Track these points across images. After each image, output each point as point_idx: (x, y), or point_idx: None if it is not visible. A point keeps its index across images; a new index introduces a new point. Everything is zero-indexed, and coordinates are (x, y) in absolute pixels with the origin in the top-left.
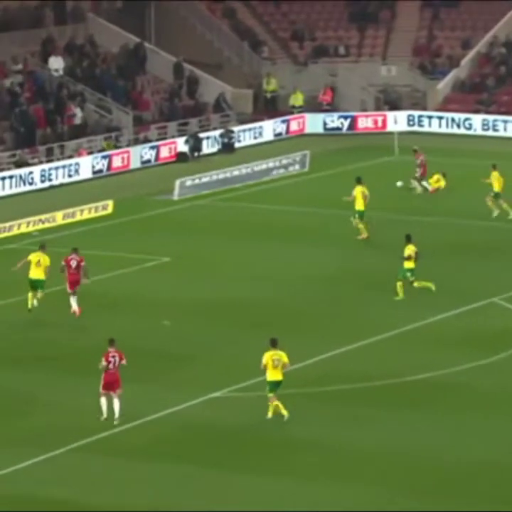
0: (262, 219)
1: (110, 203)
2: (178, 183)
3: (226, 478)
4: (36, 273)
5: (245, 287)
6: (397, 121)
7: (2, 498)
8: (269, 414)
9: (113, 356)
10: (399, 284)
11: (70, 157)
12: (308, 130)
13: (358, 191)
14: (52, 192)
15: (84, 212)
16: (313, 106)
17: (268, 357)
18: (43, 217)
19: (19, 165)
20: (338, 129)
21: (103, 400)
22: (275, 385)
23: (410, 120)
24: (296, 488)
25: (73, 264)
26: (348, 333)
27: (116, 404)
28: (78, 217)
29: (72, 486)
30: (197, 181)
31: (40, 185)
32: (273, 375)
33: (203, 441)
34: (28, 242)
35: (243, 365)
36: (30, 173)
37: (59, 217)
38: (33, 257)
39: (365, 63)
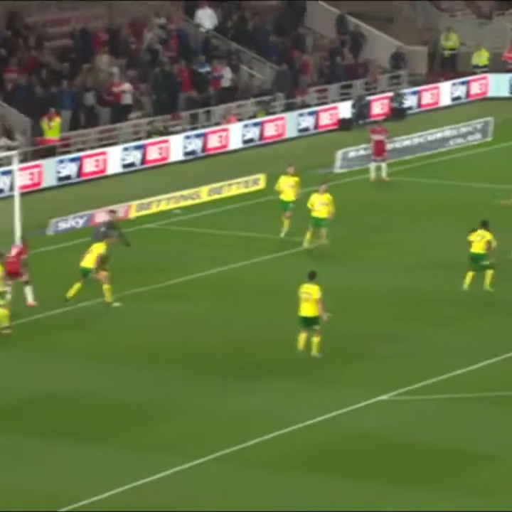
0: (437, 196)
1: (262, 177)
2: (339, 154)
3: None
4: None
5: (418, 276)
6: None
7: (141, 509)
8: (299, 346)
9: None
10: None
11: (217, 124)
12: (492, 93)
13: None
14: (195, 164)
15: (233, 188)
16: (498, 65)
17: (300, 291)
18: (185, 193)
19: (159, 133)
20: None
21: None
22: (304, 321)
23: None
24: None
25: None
26: None
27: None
28: (226, 193)
29: (218, 499)
30: (361, 152)
31: (182, 157)
32: (302, 310)
33: (363, 451)
34: (168, 222)
35: (415, 364)
36: (172, 142)
37: (204, 193)
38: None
39: None
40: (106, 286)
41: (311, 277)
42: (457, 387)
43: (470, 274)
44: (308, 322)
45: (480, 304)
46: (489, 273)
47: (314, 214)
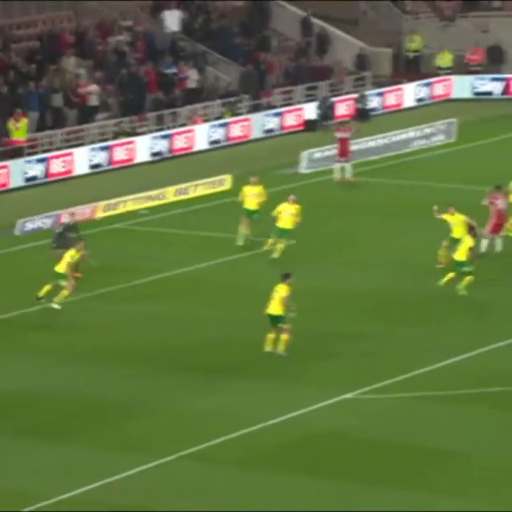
0: (402, 196)
1: (228, 178)
2: (305, 155)
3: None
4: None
5: (383, 276)
6: None
7: (110, 508)
8: (266, 346)
9: None
10: None
11: (183, 125)
12: (455, 95)
13: None
14: (162, 165)
15: (199, 188)
16: (461, 67)
17: (274, 290)
18: (152, 193)
19: (126, 134)
20: (489, 93)
21: None
22: (270, 320)
23: None
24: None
25: None
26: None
27: None
28: (192, 194)
29: (185, 497)
30: (327, 153)
31: (148, 158)
32: (269, 308)
33: (328, 449)
34: (135, 222)
35: (380, 363)
36: (138, 143)
37: (170, 194)
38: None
39: None
40: (65, 293)
41: (285, 278)
42: (422, 386)
43: (450, 275)
44: (274, 320)
45: (446, 304)
46: (467, 279)
47: (280, 224)
